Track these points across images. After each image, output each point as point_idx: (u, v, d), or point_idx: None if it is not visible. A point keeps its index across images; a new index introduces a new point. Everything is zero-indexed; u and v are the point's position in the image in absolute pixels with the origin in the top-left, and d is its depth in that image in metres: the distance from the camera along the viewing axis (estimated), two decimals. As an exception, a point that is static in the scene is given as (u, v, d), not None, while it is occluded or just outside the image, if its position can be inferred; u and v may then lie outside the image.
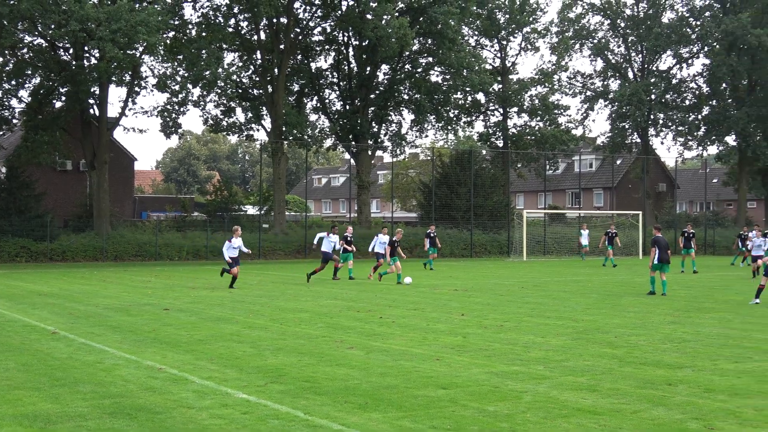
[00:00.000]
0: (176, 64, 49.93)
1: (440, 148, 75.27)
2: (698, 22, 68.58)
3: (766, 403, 10.51)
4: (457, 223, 57.34)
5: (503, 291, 27.60)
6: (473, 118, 65.93)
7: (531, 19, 63.78)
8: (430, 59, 57.58)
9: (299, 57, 57.98)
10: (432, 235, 40.24)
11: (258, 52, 55.09)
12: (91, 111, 49.63)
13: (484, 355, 14.21)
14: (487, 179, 60.43)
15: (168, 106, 51.43)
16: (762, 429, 9.23)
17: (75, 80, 45.01)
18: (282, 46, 53.73)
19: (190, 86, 49.98)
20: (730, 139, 70.22)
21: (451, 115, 61.90)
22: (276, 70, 53.79)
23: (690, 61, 71.46)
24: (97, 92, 48.28)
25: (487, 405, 10.30)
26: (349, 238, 33.07)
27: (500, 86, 64.17)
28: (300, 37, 56.23)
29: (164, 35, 47.34)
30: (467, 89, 58.65)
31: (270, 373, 12.39)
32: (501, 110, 65.13)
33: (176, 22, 49.57)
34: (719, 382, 11.87)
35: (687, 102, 71.46)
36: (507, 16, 63.31)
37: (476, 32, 64.08)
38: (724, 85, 69.26)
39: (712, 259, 53.67)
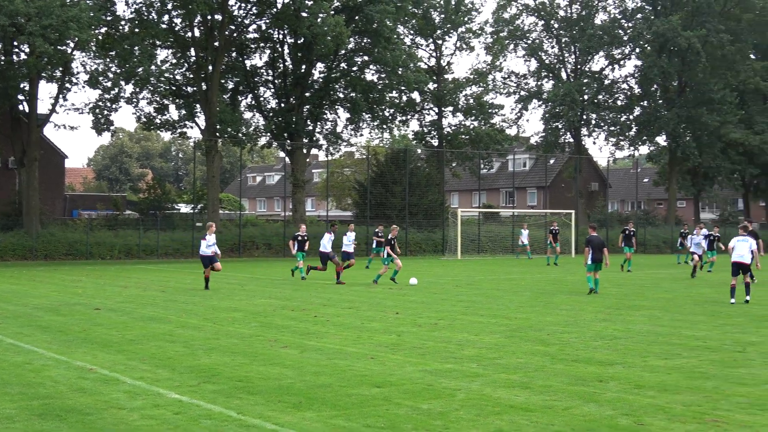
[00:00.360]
0: (108, 60, 49.32)
1: (375, 147, 75.29)
2: (630, 24, 69.76)
3: (695, 398, 10.69)
4: (392, 222, 57.33)
5: (437, 289, 27.71)
6: (408, 117, 66.13)
7: (466, 18, 64.29)
8: (366, 58, 57.59)
9: (234, 54, 57.57)
10: (380, 234, 40.92)
11: (192, 49, 54.56)
12: (21, 107, 48.63)
13: (418, 353, 14.26)
14: (422, 178, 60.67)
15: (100, 103, 50.63)
16: (690, 424, 9.38)
17: (4, 76, 44.13)
18: (216, 44, 53.31)
19: (122, 83, 49.40)
20: (661, 140, 71.64)
21: (387, 114, 62.00)
22: (210, 67, 53.37)
23: (622, 62, 72.89)
24: (27, 88, 47.39)
25: (421, 403, 10.33)
26: (300, 237, 32.63)
27: (435, 85, 64.51)
28: (235, 35, 55.83)
29: (96, 31, 46.68)
30: (402, 88, 58.74)
31: (203, 373, 12.28)
32: (436, 109, 65.49)
33: (108, 18, 48.95)
34: (649, 378, 12.04)
35: (619, 102, 72.70)
36: (442, 15, 63.72)
37: (412, 31, 64.35)
38: (655, 86, 70.62)
39: (643, 257, 54.50)
